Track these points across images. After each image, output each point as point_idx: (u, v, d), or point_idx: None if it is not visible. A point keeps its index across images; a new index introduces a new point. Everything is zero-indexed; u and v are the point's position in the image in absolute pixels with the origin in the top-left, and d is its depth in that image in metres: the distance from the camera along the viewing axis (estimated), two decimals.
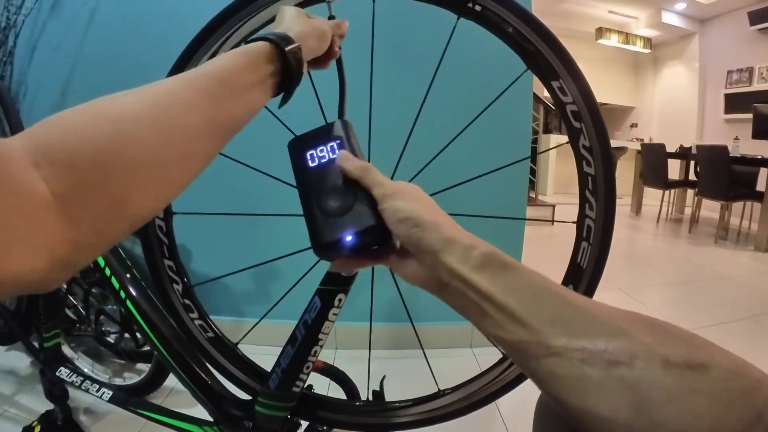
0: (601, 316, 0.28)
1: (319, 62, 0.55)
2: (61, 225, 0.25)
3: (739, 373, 0.25)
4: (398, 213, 0.36)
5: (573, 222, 0.64)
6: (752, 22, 5.35)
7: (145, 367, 1.28)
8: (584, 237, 0.62)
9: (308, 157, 0.42)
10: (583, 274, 0.62)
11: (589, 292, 0.61)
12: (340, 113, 0.53)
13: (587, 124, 0.60)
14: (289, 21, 0.47)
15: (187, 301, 0.75)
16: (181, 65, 0.65)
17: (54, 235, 0.25)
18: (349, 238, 0.37)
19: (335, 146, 0.42)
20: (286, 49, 0.41)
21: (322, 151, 0.42)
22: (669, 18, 6.08)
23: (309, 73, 0.60)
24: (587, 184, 0.62)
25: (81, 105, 0.29)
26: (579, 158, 0.62)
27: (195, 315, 0.76)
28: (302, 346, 0.64)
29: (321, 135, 0.44)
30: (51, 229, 0.24)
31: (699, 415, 0.23)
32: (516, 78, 0.66)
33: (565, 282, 0.64)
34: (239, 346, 0.79)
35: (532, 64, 0.63)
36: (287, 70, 0.42)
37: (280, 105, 0.47)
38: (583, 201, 0.63)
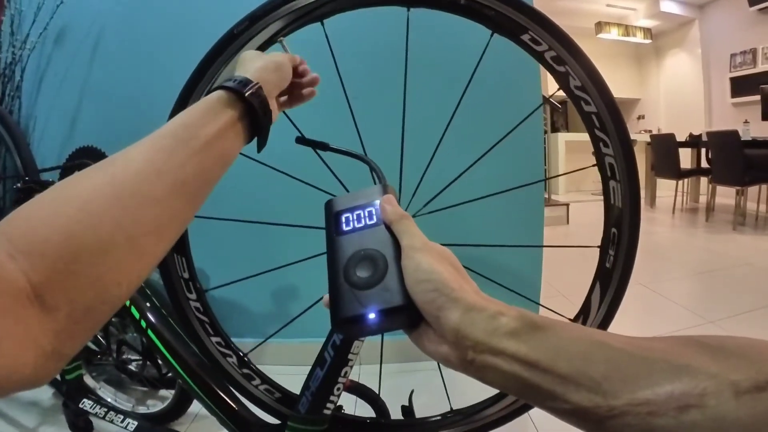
0: (657, 356, 0.25)
1: (294, 98, 0.56)
2: (41, 316, 0.24)
3: None
4: (420, 272, 0.32)
5: (593, 165, 0.64)
6: (751, 3, 5.28)
7: (168, 394, 1.27)
8: (609, 176, 0.62)
9: (343, 220, 0.38)
10: (623, 215, 0.61)
11: (633, 231, 0.60)
12: (379, 179, 0.49)
13: (571, 64, 0.59)
14: (244, 63, 0.48)
15: (246, 371, 0.74)
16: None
17: (37, 327, 0.24)
18: (372, 316, 0.32)
19: (373, 212, 0.38)
20: (245, 91, 0.41)
21: (358, 215, 0.38)
22: (667, 6, 6.03)
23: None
24: (594, 124, 0.61)
25: (46, 191, 0.29)
26: (576, 100, 0.61)
27: (258, 381, 0.75)
28: (332, 368, 0.62)
29: (360, 198, 0.40)
30: (33, 321, 0.24)
31: None
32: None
33: (607, 225, 0.63)
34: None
35: (497, 27, 0.62)
36: (252, 112, 0.41)
37: (259, 149, 0.46)
38: (596, 141, 0.62)
